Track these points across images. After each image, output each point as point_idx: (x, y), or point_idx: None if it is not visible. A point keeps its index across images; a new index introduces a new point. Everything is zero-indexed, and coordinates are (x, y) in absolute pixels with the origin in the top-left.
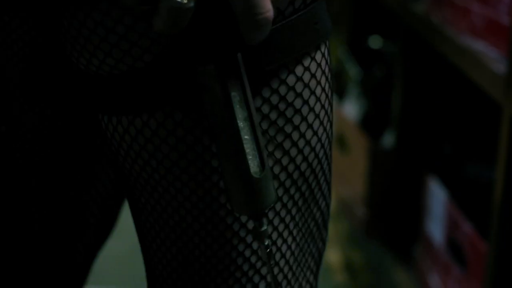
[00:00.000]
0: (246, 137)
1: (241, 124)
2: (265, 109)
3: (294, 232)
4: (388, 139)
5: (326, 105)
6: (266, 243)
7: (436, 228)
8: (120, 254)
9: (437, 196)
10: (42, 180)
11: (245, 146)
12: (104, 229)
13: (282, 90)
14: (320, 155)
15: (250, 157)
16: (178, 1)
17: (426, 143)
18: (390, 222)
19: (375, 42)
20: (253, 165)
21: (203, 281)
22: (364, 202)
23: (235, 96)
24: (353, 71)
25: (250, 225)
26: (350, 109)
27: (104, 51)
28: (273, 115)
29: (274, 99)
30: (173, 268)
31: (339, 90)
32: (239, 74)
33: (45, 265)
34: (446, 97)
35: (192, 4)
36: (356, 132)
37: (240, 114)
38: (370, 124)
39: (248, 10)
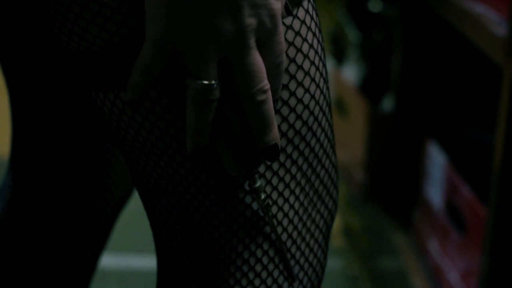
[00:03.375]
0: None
1: None
2: None
3: (297, 191)
4: (388, 103)
5: (317, 61)
6: (262, 198)
7: (435, 192)
8: (118, 220)
9: (436, 160)
10: (45, 180)
11: None
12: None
13: None
14: (316, 112)
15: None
16: (205, 83)
17: (426, 107)
18: (389, 186)
19: (375, 5)
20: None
21: (213, 250)
22: (363, 167)
23: None
24: (352, 34)
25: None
26: (350, 73)
27: (81, 27)
28: None
29: None
30: (182, 238)
31: (338, 54)
32: None
33: (61, 262)
34: (446, 61)
35: (217, 94)
36: (355, 96)
37: None
38: (370, 88)
39: (247, 92)
